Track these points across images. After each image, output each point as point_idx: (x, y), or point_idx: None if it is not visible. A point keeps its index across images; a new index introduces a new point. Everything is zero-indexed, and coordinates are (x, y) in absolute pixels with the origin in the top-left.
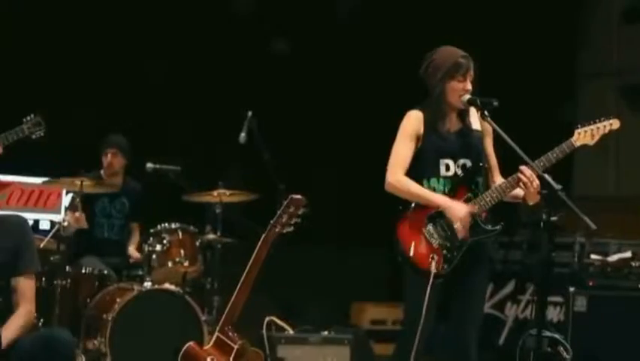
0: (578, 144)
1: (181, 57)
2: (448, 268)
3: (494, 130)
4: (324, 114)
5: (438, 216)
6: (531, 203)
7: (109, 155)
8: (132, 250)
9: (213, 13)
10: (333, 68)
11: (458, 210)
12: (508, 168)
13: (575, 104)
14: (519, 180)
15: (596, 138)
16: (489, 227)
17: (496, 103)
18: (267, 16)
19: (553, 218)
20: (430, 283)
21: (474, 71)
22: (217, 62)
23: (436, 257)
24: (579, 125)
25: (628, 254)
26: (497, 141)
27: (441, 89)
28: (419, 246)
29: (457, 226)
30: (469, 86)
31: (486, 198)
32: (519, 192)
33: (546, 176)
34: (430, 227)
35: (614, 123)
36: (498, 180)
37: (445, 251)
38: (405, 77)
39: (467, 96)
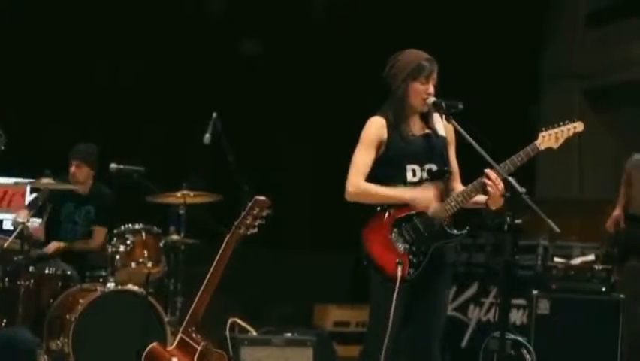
0: (542, 147)
1: (146, 58)
2: (414, 272)
3: (459, 133)
4: (292, 116)
5: (404, 220)
6: (494, 208)
7: (73, 166)
8: (91, 246)
9: (180, 15)
10: (300, 69)
11: (425, 195)
12: (475, 171)
13: (539, 106)
14: (484, 183)
15: (561, 141)
16: (454, 231)
17: (461, 106)
18: (233, 17)
19: (517, 221)
20: (397, 288)
21: (438, 74)
22: (181, 62)
23: (402, 262)
24: (543, 129)
25: (591, 257)
26: (462, 143)
27: (403, 91)
28: (385, 251)
29: (432, 210)
30: (432, 90)
31: (451, 202)
32: (481, 198)
33: (510, 179)
34: (395, 232)
35: (578, 126)
36: (458, 187)
37: (411, 256)
38: (373, 80)
39: (432, 99)
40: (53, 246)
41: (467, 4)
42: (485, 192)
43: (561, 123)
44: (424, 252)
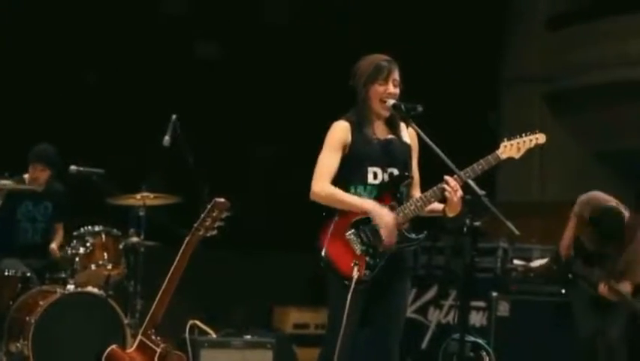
0: (503, 156)
1: (106, 60)
2: (370, 274)
3: (420, 138)
4: (250, 118)
5: (362, 222)
6: (451, 215)
7: (36, 170)
8: (53, 248)
9: (140, 17)
10: (259, 71)
11: (385, 215)
12: (435, 175)
13: (498, 111)
14: (443, 189)
15: (522, 151)
16: (413, 235)
17: (420, 109)
18: (192, 20)
19: (477, 223)
20: (352, 289)
21: (400, 76)
22: (140, 64)
23: (358, 263)
24: (505, 139)
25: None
26: (422, 147)
27: (364, 95)
28: (342, 252)
29: (384, 231)
30: (392, 90)
31: (410, 207)
32: (438, 206)
33: (470, 181)
34: (353, 233)
35: (540, 138)
36: (417, 195)
37: (367, 258)
38: (331, 82)
39: (391, 101)
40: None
41: (426, 9)
42: (444, 198)
43: (523, 134)
44: (381, 254)
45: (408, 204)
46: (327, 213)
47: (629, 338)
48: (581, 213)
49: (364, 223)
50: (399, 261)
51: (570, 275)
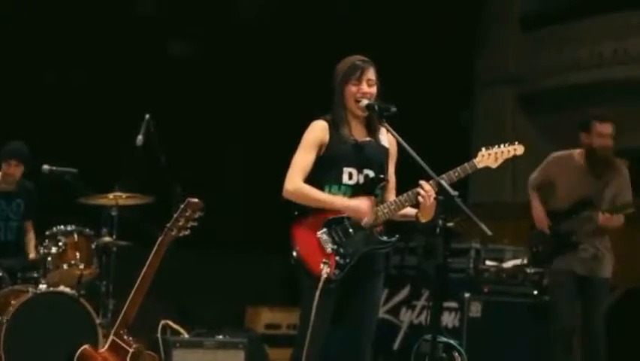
0: (480, 165)
1: (78, 60)
2: (339, 274)
3: (396, 139)
4: (223, 117)
5: (334, 222)
6: (424, 220)
7: (11, 166)
8: (31, 249)
9: (113, 17)
10: (232, 71)
11: (359, 206)
12: (410, 177)
13: (471, 111)
14: (418, 193)
15: (499, 161)
16: (384, 238)
17: (394, 109)
18: (164, 19)
19: (449, 224)
20: (321, 287)
21: (376, 75)
22: (113, 64)
23: (328, 262)
24: (483, 148)
25: (523, 260)
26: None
27: (339, 95)
28: (313, 251)
29: (365, 221)
30: (366, 89)
31: (383, 209)
32: (411, 211)
33: (443, 182)
34: (324, 232)
35: (519, 149)
36: (392, 198)
37: (338, 257)
38: (305, 82)
39: (365, 101)
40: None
41: (400, 10)
42: (418, 203)
43: (502, 145)
44: (352, 255)
45: (382, 206)
46: (299, 212)
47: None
48: (545, 175)
49: (336, 223)
50: (370, 262)
51: (560, 241)
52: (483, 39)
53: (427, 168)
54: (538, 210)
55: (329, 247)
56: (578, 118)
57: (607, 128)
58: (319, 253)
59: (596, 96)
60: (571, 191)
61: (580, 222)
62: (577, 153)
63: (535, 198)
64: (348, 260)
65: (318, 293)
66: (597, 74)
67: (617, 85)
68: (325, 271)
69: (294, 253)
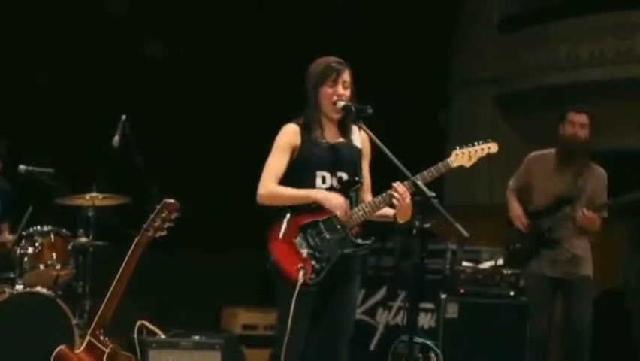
0: (454, 164)
1: (55, 59)
2: (316, 278)
3: (371, 139)
4: (200, 118)
5: (310, 226)
6: (401, 221)
7: None
8: (5, 236)
9: (90, 17)
10: (210, 71)
11: (334, 199)
12: (387, 177)
13: (449, 112)
14: (391, 196)
15: (473, 160)
16: (359, 241)
17: (370, 110)
18: (143, 19)
19: (426, 225)
20: (297, 292)
21: (351, 78)
22: (91, 64)
23: (304, 267)
24: (457, 147)
25: (499, 261)
26: (374, 149)
27: (314, 97)
28: (289, 255)
29: (339, 214)
30: (341, 91)
31: (358, 212)
32: (389, 211)
33: (419, 183)
34: (300, 237)
35: (492, 147)
36: (367, 199)
37: (314, 262)
38: (285, 82)
39: (341, 102)
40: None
41: (378, 9)
42: (392, 204)
43: (475, 143)
44: (328, 259)
45: (356, 209)
46: (274, 216)
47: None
48: (524, 175)
49: (312, 227)
50: (347, 264)
51: (539, 238)
52: (460, 39)
53: (403, 168)
54: (515, 207)
55: (305, 252)
56: (554, 119)
57: (581, 118)
58: (295, 257)
59: (572, 97)
60: (547, 189)
61: (559, 220)
62: (554, 151)
63: (512, 197)
64: (324, 264)
65: (294, 299)
66: (574, 75)
67: (593, 86)
68: (302, 275)
69: (270, 258)
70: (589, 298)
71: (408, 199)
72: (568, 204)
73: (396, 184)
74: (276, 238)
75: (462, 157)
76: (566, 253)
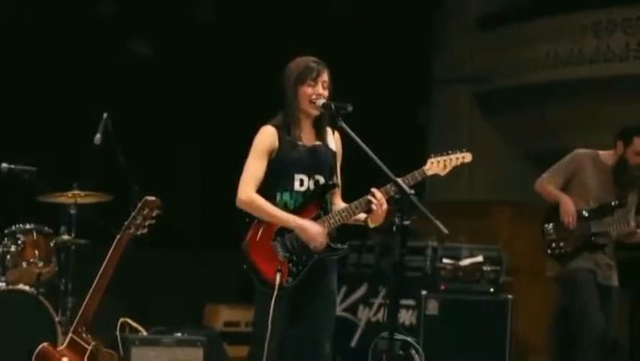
0: (429, 172)
1: (37, 57)
2: (292, 281)
3: (350, 137)
4: (182, 117)
5: (287, 230)
6: (372, 226)
7: None
8: None
9: (72, 15)
10: (192, 70)
11: (313, 231)
12: (366, 176)
13: (429, 110)
14: (369, 201)
15: (448, 169)
16: (337, 245)
17: (350, 108)
18: (124, 18)
19: (406, 222)
20: (275, 295)
21: (329, 78)
22: (73, 61)
23: (281, 270)
24: (432, 155)
25: (479, 258)
26: (354, 148)
27: (292, 96)
28: (266, 257)
29: (313, 246)
30: (321, 91)
31: (335, 217)
32: (360, 215)
33: (399, 181)
34: (278, 240)
35: (467, 157)
36: (339, 203)
37: (290, 265)
38: (263, 82)
39: (321, 101)
40: None
41: (356, 7)
42: (369, 210)
43: (450, 152)
44: (304, 262)
45: (333, 213)
46: (250, 218)
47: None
48: (572, 171)
49: (289, 231)
50: (323, 264)
51: (588, 241)
52: (440, 38)
53: (383, 167)
54: (570, 206)
55: (282, 255)
56: (533, 117)
57: None
58: (272, 260)
59: (552, 96)
60: (596, 192)
61: (605, 225)
62: (604, 153)
63: (562, 194)
64: (300, 267)
65: (272, 301)
66: (553, 73)
67: (572, 85)
68: (278, 278)
69: (247, 259)
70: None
71: (385, 206)
72: (615, 213)
73: (375, 190)
74: (253, 240)
75: (437, 165)
76: (606, 260)
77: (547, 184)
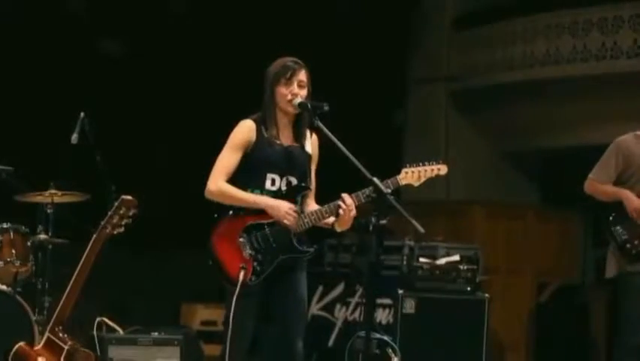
0: (403, 182)
1: (12, 57)
2: (255, 280)
3: (327, 137)
4: (157, 115)
5: (254, 228)
6: (339, 230)
7: None
8: None
9: (49, 13)
10: (168, 69)
11: (283, 208)
12: (341, 175)
13: (404, 110)
14: (339, 206)
15: (422, 179)
16: (304, 248)
17: (327, 107)
18: (99, 16)
19: (383, 221)
20: (237, 292)
21: (307, 78)
22: (50, 61)
23: (245, 267)
24: (407, 165)
25: (456, 257)
26: (330, 147)
27: (269, 96)
28: (231, 254)
29: (286, 223)
30: (297, 90)
31: (304, 219)
32: (328, 219)
33: (375, 180)
34: (244, 237)
35: (442, 169)
36: (312, 205)
37: (255, 263)
38: (237, 81)
39: (298, 100)
40: None
41: (332, 8)
42: (338, 215)
43: (425, 163)
44: (270, 262)
45: (302, 216)
46: (218, 214)
47: None
48: (622, 161)
49: (257, 229)
50: (291, 266)
51: None
52: (415, 37)
53: (360, 166)
54: (634, 200)
55: (247, 253)
56: (510, 116)
57: None
58: (237, 257)
59: (528, 95)
60: None
61: None
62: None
63: (620, 189)
64: (265, 267)
65: (235, 298)
66: (529, 73)
67: (548, 84)
68: (242, 276)
69: (213, 256)
70: None
71: (353, 212)
72: None
73: (345, 196)
74: (219, 237)
75: (411, 176)
76: None
77: (600, 183)
